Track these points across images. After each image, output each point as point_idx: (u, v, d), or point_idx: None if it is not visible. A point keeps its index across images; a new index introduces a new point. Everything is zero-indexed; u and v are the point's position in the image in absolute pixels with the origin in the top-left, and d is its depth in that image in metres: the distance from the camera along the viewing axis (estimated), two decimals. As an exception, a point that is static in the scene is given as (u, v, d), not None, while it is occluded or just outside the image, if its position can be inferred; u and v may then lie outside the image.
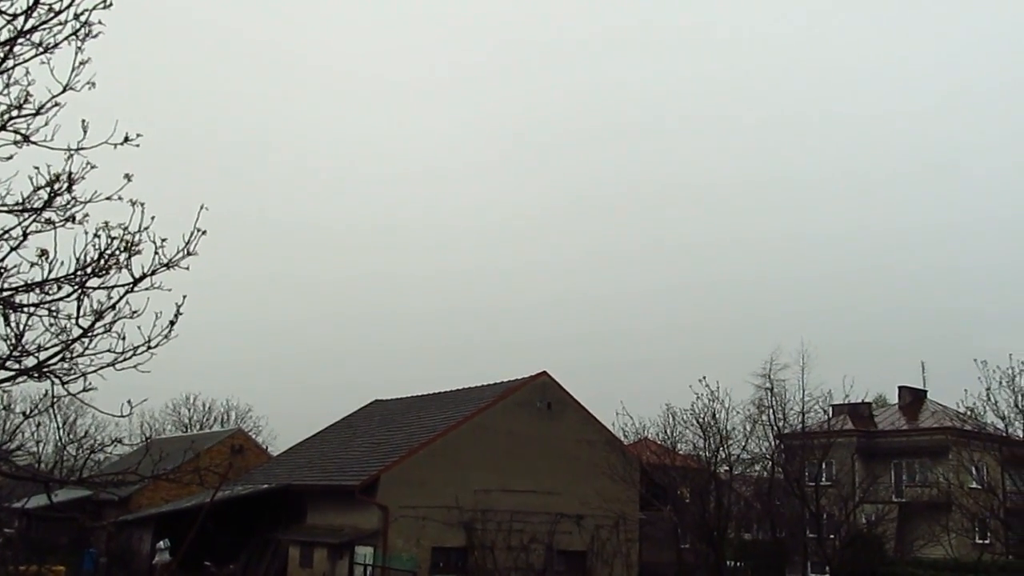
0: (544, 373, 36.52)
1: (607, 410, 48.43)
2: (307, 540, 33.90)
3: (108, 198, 6.99)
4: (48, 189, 6.93)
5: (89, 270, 7.02)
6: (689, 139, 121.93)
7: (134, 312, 7.17)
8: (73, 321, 7.14)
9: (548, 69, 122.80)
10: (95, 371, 7.27)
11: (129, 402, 7.50)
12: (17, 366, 7.22)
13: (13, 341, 7.12)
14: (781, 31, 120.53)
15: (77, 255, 6.99)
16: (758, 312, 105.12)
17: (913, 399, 55.86)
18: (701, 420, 34.16)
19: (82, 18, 6.86)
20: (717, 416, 33.84)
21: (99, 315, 7.10)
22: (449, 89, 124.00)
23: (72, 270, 7.01)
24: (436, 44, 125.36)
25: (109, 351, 7.18)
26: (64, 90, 6.91)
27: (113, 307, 7.12)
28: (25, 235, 6.98)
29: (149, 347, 7.24)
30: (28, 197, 6.96)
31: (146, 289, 7.19)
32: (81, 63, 6.88)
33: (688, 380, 47.37)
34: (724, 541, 35.45)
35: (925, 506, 45.54)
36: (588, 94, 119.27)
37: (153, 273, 7.18)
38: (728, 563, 38.05)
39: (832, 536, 34.89)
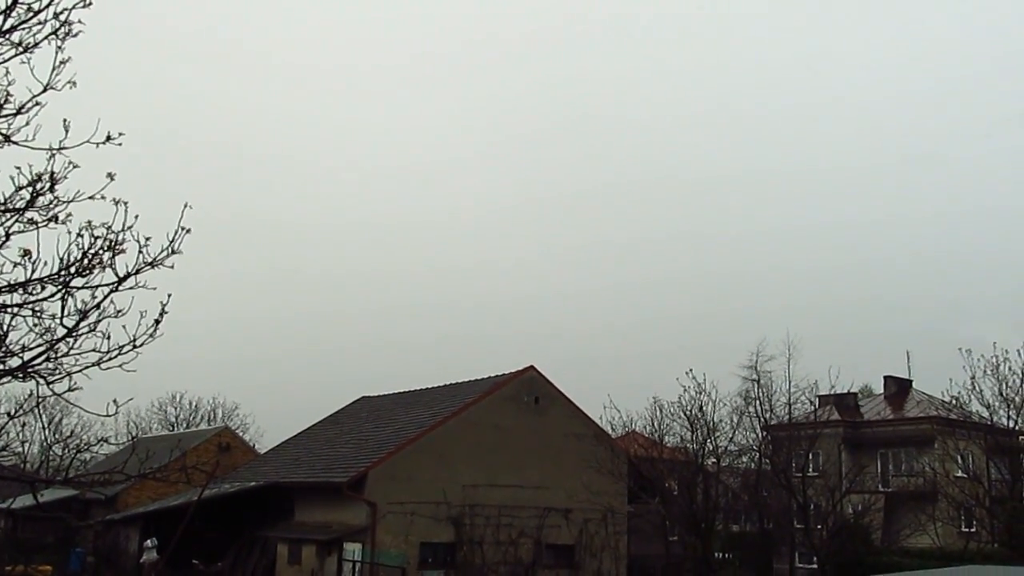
0: (531, 368, 36.51)
1: (594, 404, 48.75)
2: (295, 537, 33.85)
3: (91, 197, 6.96)
4: (30, 189, 6.90)
5: (73, 270, 6.99)
6: (676, 133, 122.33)
7: (119, 311, 7.15)
8: (57, 321, 7.11)
9: (533, 63, 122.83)
10: (80, 371, 7.24)
11: (115, 401, 7.46)
12: (1, 366, 7.19)
13: (-3, 342, 7.09)
14: (768, 24, 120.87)
15: (60, 255, 6.97)
16: (744, 304, 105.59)
17: (899, 389, 56.09)
18: (688, 413, 34.32)
19: (62, 17, 6.83)
20: (704, 408, 34.04)
21: (83, 315, 7.07)
22: (431, 84, 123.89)
23: (56, 270, 6.98)
24: (417, 38, 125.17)
25: (94, 350, 7.15)
26: (45, 89, 6.88)
27: (97, 306, 7.10)
28: (7, 235, 6.95)
29: (134, 346, 7.21)
30: (10, 197, 6.93)
31: (131, 288, 7.17)
32: (62, 62, 6.86)
33: (675, 373, 47.58)
34: (712, 533, 35.57)
35: (911, 495, 45.70)
36: (574, 88, 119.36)
37: (137, 272, 7.15)
38: (716, 555, 38.20)
39: (819, 526, 35.02)
